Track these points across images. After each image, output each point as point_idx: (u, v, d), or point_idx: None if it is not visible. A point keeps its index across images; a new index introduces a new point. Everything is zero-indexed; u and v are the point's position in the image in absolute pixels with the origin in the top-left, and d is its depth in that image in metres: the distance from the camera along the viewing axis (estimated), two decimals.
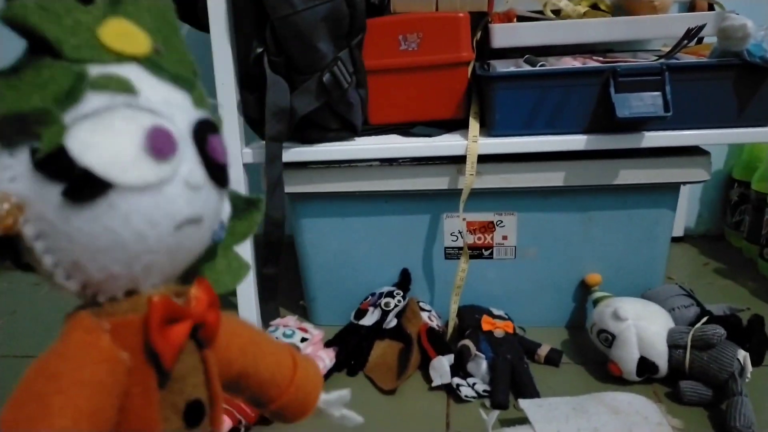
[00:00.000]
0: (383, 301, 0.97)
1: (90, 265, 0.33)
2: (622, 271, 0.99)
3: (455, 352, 0.91)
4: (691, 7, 1.14)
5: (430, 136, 0.93)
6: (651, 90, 0.84)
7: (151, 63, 0.36)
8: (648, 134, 0.86)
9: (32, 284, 1.32)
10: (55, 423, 0.30)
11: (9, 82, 0.32)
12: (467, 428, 0.80)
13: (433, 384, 0.88)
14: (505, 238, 0.99)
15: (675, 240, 1.37)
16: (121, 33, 0.35)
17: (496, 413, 0.74)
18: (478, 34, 0.97)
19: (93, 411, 0.32)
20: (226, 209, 0.41)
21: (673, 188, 0.95)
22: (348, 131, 0.94)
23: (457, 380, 0.87)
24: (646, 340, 0.84)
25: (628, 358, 0.85)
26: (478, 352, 0.89)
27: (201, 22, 0.92)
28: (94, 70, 0.33)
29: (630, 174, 0.91)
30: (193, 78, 0.38)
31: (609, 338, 0.87)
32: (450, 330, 0.98)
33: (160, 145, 0.33)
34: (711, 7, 1.04)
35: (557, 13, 1.01)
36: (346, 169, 0.94)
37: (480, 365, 0.88)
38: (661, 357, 0.84)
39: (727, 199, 1.35)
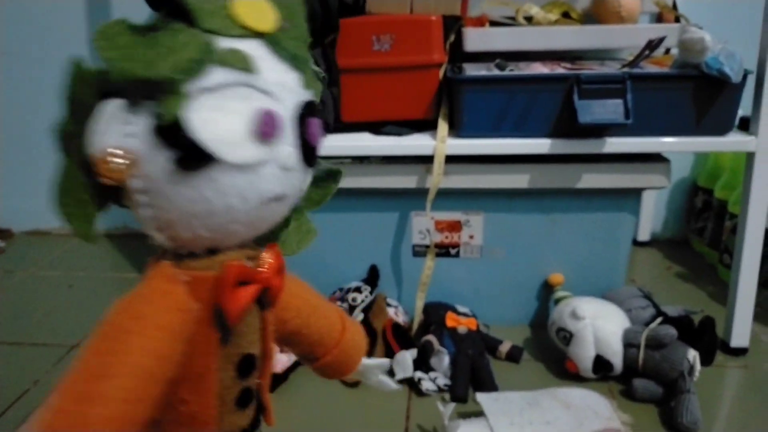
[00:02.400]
0: (351, 296, 0.99)
1: (181, 225, 0.36)
2: (584, 272, 1.02)
3: (419, 347, 0.93)
4: (659, 19, 1.17)
5: (400, 135, 0.95)
6: (613, 97, 0.87)
7: (274, 41, 0.37)
8: (609, 140, 0.89)
9: (5, 271, 1.32)
10: (132, 359, 0.33)
11: (144, 40, 0.33)
12: (426, 421, 0.82)
13: (396, 378, 0.90)
14: (471, 237, 1.01)
15: (641, 244, 1.41)
16: (253, 8, 0.37)
17: (452, 405, 0.77)
18: (452, 37, 0.99)
19: (166, 354, 0.35)
20: (307, 180, 0.43)
21: (635, 193, 0.99)
22: None
23: (419, 374, 0.90)
24: (602, 339, 0.87)
25: (584, 355, 0.88)
26: (440, 347, 0.91)
27: None
28: (222, 43, 0.35)
29: (592, 178, 0.94)
30: (308, 58, 0.40)
31: (567, 336, 0.90)
32: (415, 326, 1.00)
33: (266, 128, 0.35)
34: (677, 20, 1.07)
35: (529, 20, 1.04)
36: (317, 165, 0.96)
37: (442, 360, 0.91)
38: (616, 355, 0.87)
39: (692, 205, 1.39)
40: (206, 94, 0.34)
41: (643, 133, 0.89)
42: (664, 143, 0.90)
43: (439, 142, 0.90)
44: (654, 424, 0.81)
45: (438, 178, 0.91)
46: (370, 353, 0.92)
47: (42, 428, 0.33)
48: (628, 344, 0.87)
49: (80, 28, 1.40)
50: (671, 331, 0.84)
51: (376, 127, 0.98)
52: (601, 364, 0.87)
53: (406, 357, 0.91)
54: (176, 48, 0.33)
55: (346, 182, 0.96)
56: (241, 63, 0.35)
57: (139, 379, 0.34)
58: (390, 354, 0.94)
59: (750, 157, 0.91)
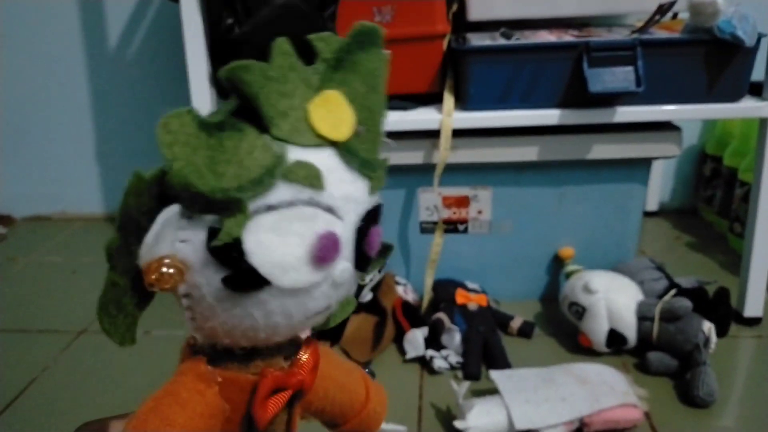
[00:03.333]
0: None
1: (221, 334, 0.34)
2: (595, 245, 1.01)
3: (429, 325, 0.92)
4: None
5: (404, 109, 0.93)
6: (623, 65, 0.84)
7: (347, 149, 0.34)
8: (620, 109, 0.87)
9: (7, 259, 1.31)
10: None
11: (208, 141, 0.30)
12: (440, 399, 0.81)
13: (407, 356, 0.89)
14: (480, 212, 1.00)
15: (649, 214, 1.39)
16: (331, 112, 0.33)
17: (466, 384, 0.76)
18: (454, 7, 0.97)
19: None
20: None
21: (645, 163, 0.97)
22: None
23: (430, 352, 0.89)
24: (615, 312, 0.86)
25: (597, 329, 0.87)
26: (451, 325, 0.90)
27: None
28: (292, 154, 0.32)
29: (602, 149, 0.92)
30: (378, 161, 0.36)
31: (579, 311, 0.88)
32: (425, 303, 0.99)
33: (325, 253, 0.32)
34: None
35: None
36: None
37: (453, 338, 0.89)
38: (629, 329, 0.86)
39: (700, 174, 1.37)
40: (267, 213, 0.31)
41: (654, 101, 0.87)
42: (676, 111, 0.88)
43: (445, 116, 0.88)
44: (670, 398, 0.81)
45: (445, 153, 0.89)
46: (380, 333, 0.92)
47: None
48: (642, 317, 0.86)
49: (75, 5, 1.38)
50: (686, 303, 0.83)
51: None
52: (614, 337, 0.86)
53: (417, 335, 0.90)
54: (243, 157, 0.30)
55: None
56: (307, 179, 0.32)
57: None
58: (401, 333, 0.93)
59: (763, 123, 0.89)
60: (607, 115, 0.87)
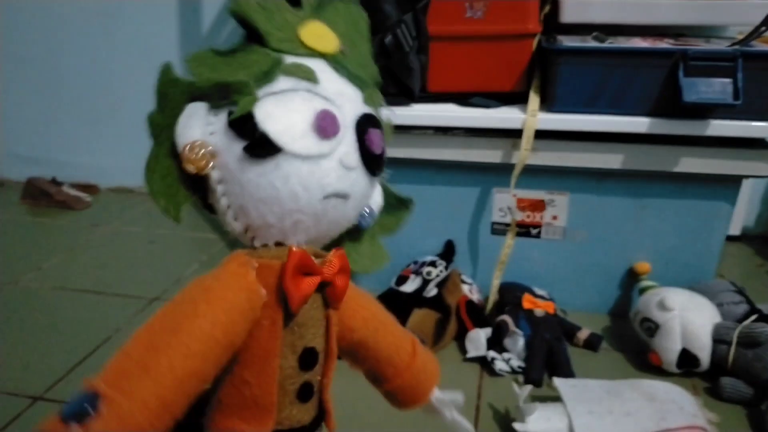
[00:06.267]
0: (425, 269, 0.97)
1: (252, 211, 0.41)
2: (673, 262, 0.97)
3: (493, 326, 0.91)
4: None
5: (488, 107, 0.92)
6: (722, 76, 0.81)
7: (335, 61, 0.43)
8: (714, 122, 0.83)
9: (91, 225, 1.37)
10: (197, 322, 0.38)
11: (225, 59, 0.41)
12: (498, 401, 0.80)
13: (468, 355, 0.89)
14: (554, 218, 0.98)
15: (731, 239, 1.33)
16: (316, 34, 0.43)
17: (528, 388, 0.74)
18: (547, 8, 0.95)
19: (227, 324, 0.39)
20: (377, 200, 0.48)
21: (734, 181, 0.92)
22: (404, 96, 0.94)
23: (492, 354, 0.87)
24: (690, 332, 0.83)
25: (670, 348, 0.83)
26: (516, 329, 0.89)
27: None
28: (289, 60, 0.41)
29: (690, 162, 0.88)
30: (368, 80, 0.45)
31: (652, 327, 0.85)
32: (490, 305, 0.98)
33: (325, 125, 0.39)
34: None
35: None
36: (399, 135, 0.93)
37: (517, 342, 0.88)
38: (703, 350, 0.82)
39: None
40: (273, 96, 0.39)
41: (750, 117, 0.84)
42: None
43: (530, 116, 0.87)
44: (741, 426, 0.77)
45: (525, 154, 0.88)
46: (442, 330, 0.91)
47: (109, 367, 0.37)
48: (718, 340, 0.82)
49: None
50: None
51: (463, 98, 0.95)
52: (687, 358, 0.83)
53: (480, 335, 0.89)
54: (251, 63, 0.40)
55: (428, 154, 0.95)
56: (304, 73, 0.41)
57: (201, 342, 0.38)
58: (463, 331, 0.92)
59: None
60: (699, 127, 0.84)
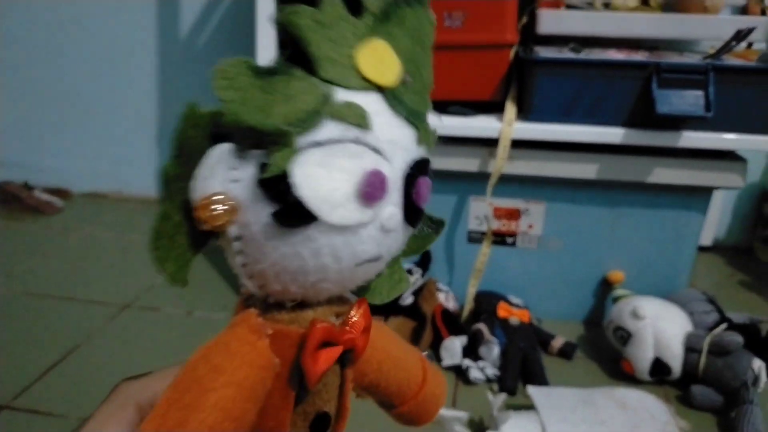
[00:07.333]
0: None
1: (272, 278, 0.35)
2: (646, 271, 0.98)
3: (468, 334, 0.91)
4: (744, 11, 1.11)
5: (465, 116, 0.92)
6: (694, 88, 0.83)
7: (393, 96, 0.35)
8: (686, 134, 0.85)
9: (63, 230, 1.35)
10: (205, 418, 0.33)
11: (262, 82, 0.32)
12: (473, 409, 0.80)
13: (443, 364, 0.89)
14: (530, 226, 0.98)
15: (703, 249, 1.35)
16: (377, 59, 0.34)
17: (502, 396, 0.74)
18: (524, 19, 0.96)
19: (239, 414, 0.34)
20: (406, 239, 0.40)
21: (706, 192, 0.94)
22: None
23: (467, 362, 0.88)
24: (662, 341, 0.84)
25: (642, 357, 0.84)
26: (491, 337, 0.89)
27: None
28: (339, 95, 0.33)
29: (663, 173, 0.90)
30: (425, 113, 0.37)
31: (625, 336, 0.86)
32: (465, 313, 0.98)
33: (372, 190, 0.32)
34: (764, 13, 1.01)
35: (607, 6, 1.00)
36: None
37: (492, 350, 0.88)
38: (675, 359, 0.83)
39: (760, 212, 1.33)
40: (315, 149, 0.31)
41: (722, 129, 0.85)
42: (743, 141, 0.86)
43: (506, 125, 0.87)
44: None
45: (501, 163, 0.88)
46: (418, 338, 0.91)
47: None
48: (690, 348, 0.83)
49: None
50: (737, 338, 0.80)
51: (440, 107, 0.95)
52: (659, 367, 0.84)
53: (456, 344, 0.89)
54: (292, 96, 0.32)
55: None
56: (356, 118, 0.32)
57: None
58: (438, 339, 0.92)
59: None
60: (672, 138, 0.85)
